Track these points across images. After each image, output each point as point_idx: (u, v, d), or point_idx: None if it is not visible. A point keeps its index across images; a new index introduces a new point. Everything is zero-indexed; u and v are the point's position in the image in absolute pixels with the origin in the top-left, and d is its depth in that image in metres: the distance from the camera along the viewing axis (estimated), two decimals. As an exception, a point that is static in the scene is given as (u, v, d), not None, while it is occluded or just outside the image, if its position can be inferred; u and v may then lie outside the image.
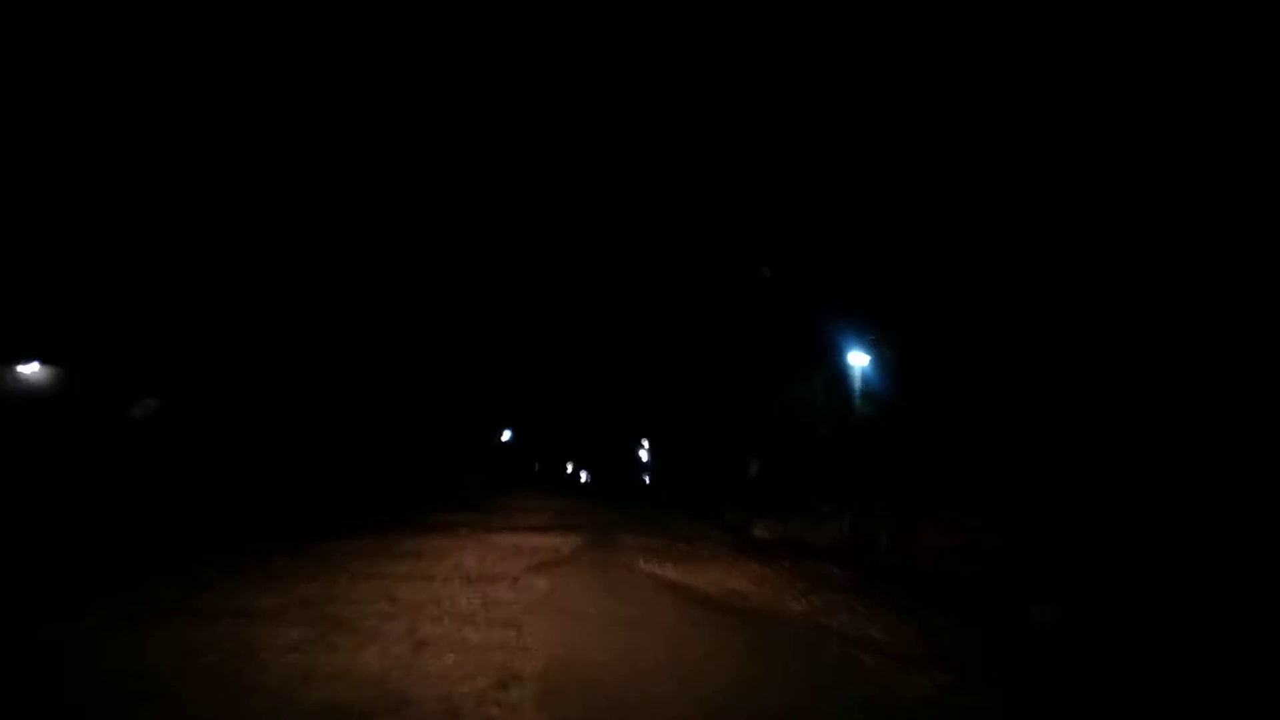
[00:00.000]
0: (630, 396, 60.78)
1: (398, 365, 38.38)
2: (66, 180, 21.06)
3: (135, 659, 5.69)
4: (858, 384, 28.02)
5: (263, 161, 26.19)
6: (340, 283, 32.19)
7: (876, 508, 19.61)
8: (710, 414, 40.70)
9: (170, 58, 22.45)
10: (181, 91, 23.25)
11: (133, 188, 22.72)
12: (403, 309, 38.54)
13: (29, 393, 20.72)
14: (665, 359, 49.96)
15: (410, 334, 39.60)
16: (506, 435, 51.08)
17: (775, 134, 31.43)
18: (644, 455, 69.46)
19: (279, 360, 28.24)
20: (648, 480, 72.35)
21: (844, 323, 31.13)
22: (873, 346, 28.66)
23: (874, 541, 16.33)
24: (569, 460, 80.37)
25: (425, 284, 40.35)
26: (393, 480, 31.62)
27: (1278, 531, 8.13)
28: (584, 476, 78.29)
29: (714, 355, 40.02)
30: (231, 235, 25.95)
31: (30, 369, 20.84)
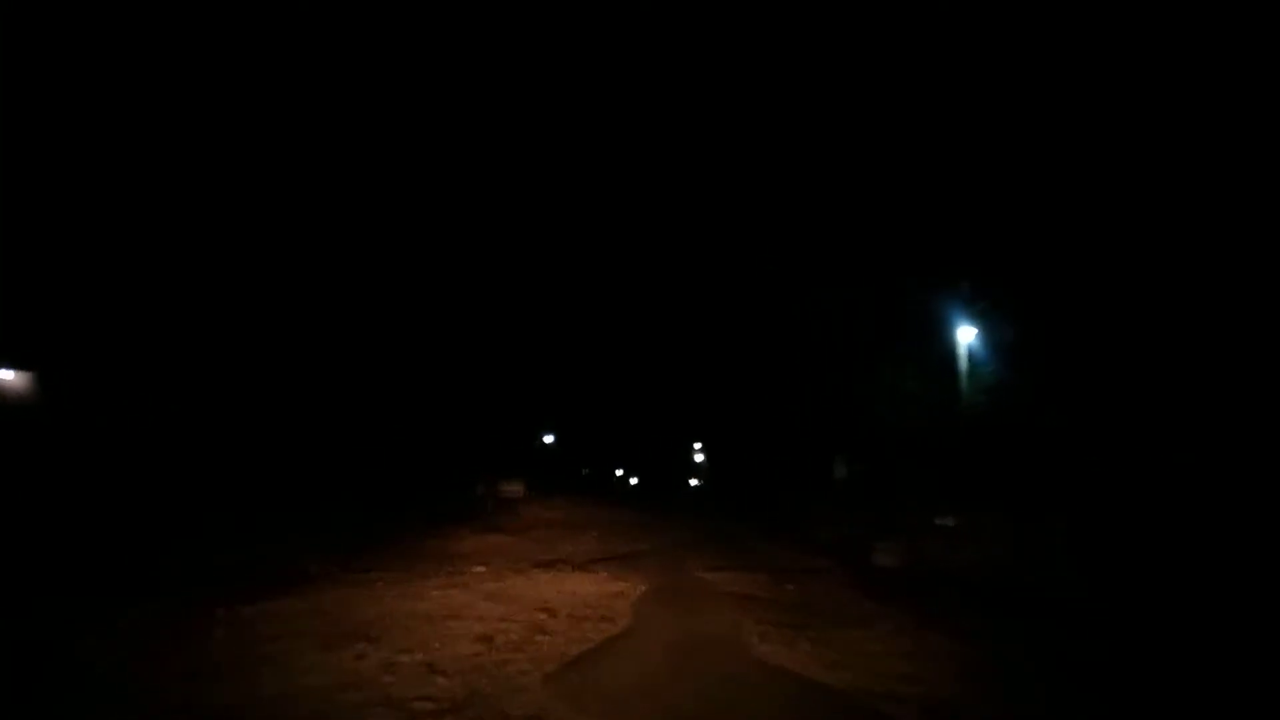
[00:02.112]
0: (683, 394, 55.85)
1: (430, 367, 34.48)
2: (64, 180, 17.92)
3: None
4: (964, 365, 22.85)
5: (303, 162, 24.75)
6: (368, 279, 28.65)
7: (1025, 522, 14.77)
8: (778, 409, 35.47)
9: (159, 55, 20.54)
10: (181, 92, 21.39)
11: (152, 193, 19.63)
12: (437, 308, 34.81)
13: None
14: (721, 351, 44.97)
15: (446, 335, 35.76)
16: (549, 438, 46.70)
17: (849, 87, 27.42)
18: (698, 458, 64.43)
19: (292, 357, 24.46)
20: (701, 484, 67.46)
21: (943, 290, 25.99)
22: (982, 317, 23.54)
23: (1054, 571, 11.39)
24: (617, 465, 75.90)
25: (461, 283, 36.76)
26: (418, 490, 27.56)
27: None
28: (633, 481, 73.80)
29: (781, 343, 34.83)
30: (265, 235, 23.47)
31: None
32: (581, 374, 53.31)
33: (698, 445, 65.71)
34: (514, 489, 34.06)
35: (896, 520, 19.52)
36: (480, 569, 11.34)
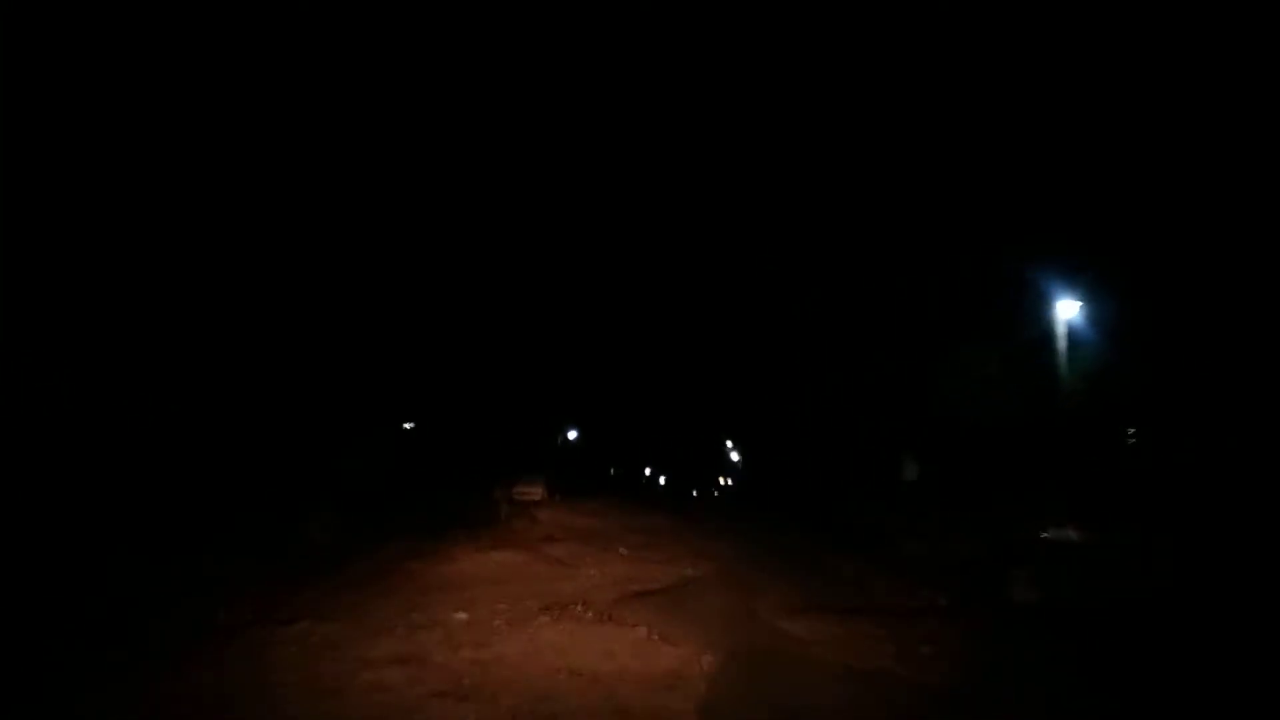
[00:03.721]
0: (715, 386, 51.93)
1: (446, 360, 31.21)
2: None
3: None
4: (1063, 346, 18.89)
5: (314, 151, 23.40)
6: (380, 263, 25.61)
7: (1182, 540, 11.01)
8: (828, 400, 31.46)
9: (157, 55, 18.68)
10: (180, 91, 19.45)
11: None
12: (455, 299, 31.66)
13: None
14: (759, 338, 41.02)
15: (463, 326, 32.55)
16: (573, 434, 43.18)
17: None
18: (733, 456, 60.49)
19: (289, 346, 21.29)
20: (733, 484, 63.61)
21: (1037, 260, 22.15)
22: (1087, 290, 19.83)
23: None
24: (645, 464, 72.28)
25: (481, 273, 33.74)
26: (424, 492, 24.30)
27: None
28: (661, 480, 70.18)
29: (831, 325, 30.80)
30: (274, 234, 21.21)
31: None
32: (607, 366, 49.75)
33: (729, 443, 61.78)
34: (532, 491, 30.55)
35: (994, 532, 15.63)
36: (461, 616, 7.75)
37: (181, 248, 18.00)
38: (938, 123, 25.16)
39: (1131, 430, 18.29)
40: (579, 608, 8.33)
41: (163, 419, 15.96)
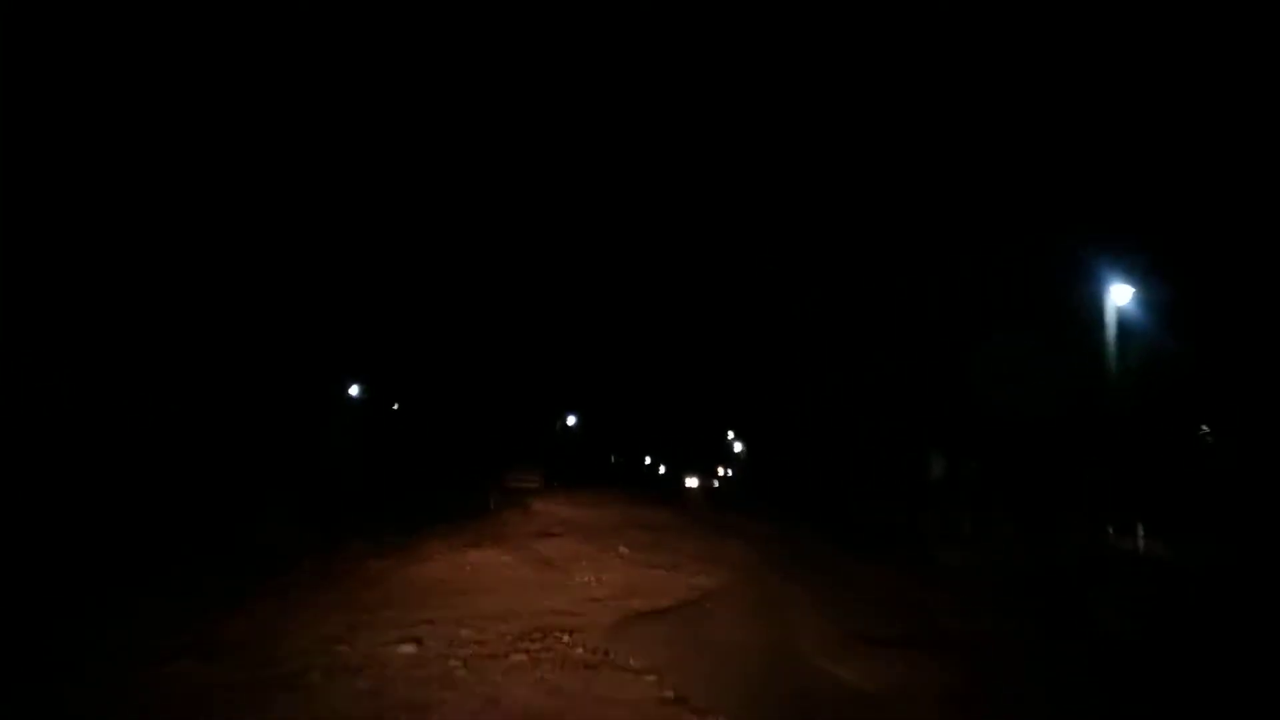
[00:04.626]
0: (719, 373, 49.94)
1: (438, 344, 29.23)
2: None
3: None
4: (1113, 335, 17.11)
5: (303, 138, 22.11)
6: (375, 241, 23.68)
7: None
8: (842, 390, 29.46)
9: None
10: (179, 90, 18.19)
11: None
12: (451, 282, 29.68)
13: None
14: (767, 323, 38.97)
15: (459, 309, 30.55)
16: (571, 420, 41.24)
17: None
18: (736, 447, 58.59)
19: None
20: (732, 475, 61.75)
21: (1084, 240, 20.25)
22: (1140, 274, 17.95)
23: None
24: (645, 453, 70.47)
25: (477, 258, 31.78)
26: (409, 483, 22.42)
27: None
28: (661, 470, 68.43)
29: (851, 308, 28.74)
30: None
31: None
32: (608, 350, 47.75)
33: (730, 434, 59.84)
34: (529, 479, 28.73)
35: (1046, 540, 13.71)
36: (407, 649, 5.78)
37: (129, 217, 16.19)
38: (973, 87, 23.05)
39: (1206, 428, 16.28)
40: (567, 638, 6.39)
41: (88, 401, 13.96)
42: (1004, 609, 9.03)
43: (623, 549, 12.75)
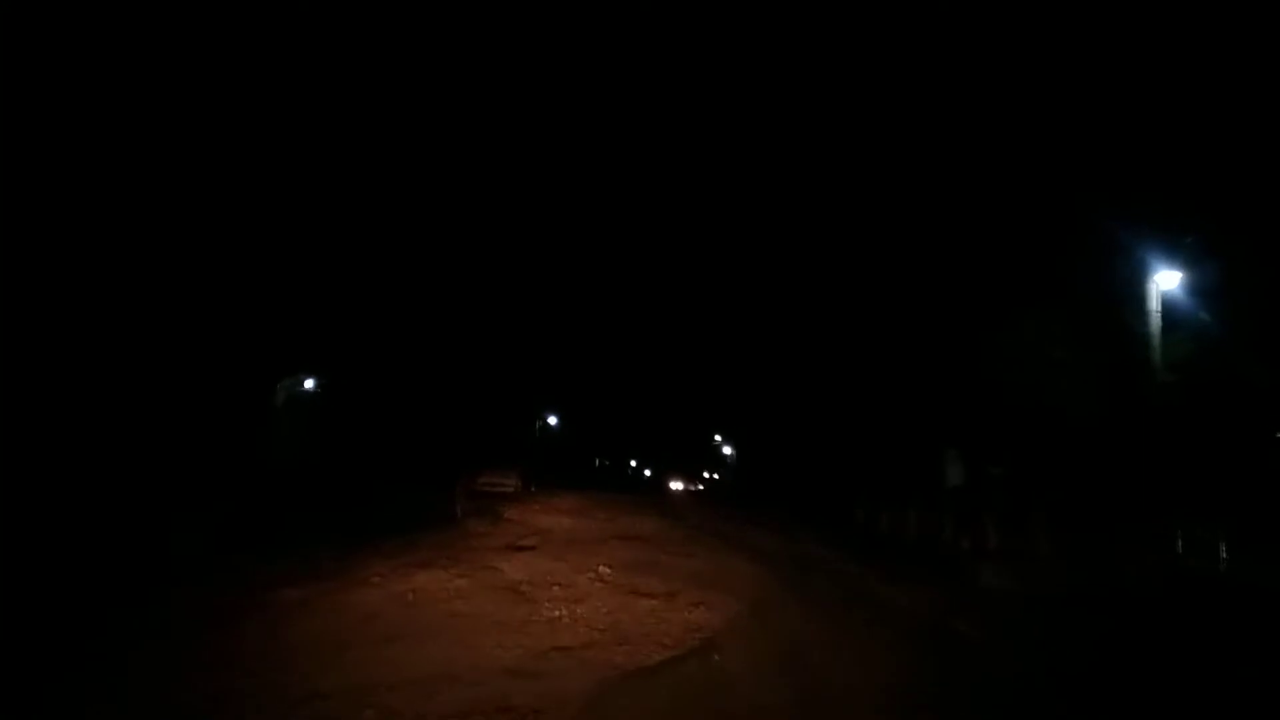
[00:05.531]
0: (709, 371, 47.92)
1: (406, 336, 26.98)
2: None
3: None
4: (1157, 325, 15.41)
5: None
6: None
7: None
8: (843, 386, 27.49)
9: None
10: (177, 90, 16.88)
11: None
12: (423, 271, 27.51)
13: None
14: (761, 313, 37.02)
15: (429, 299, 28.34)
16: (553, 420, 39.03)
17: None
18: (725, 450, 56.59)
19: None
20: (718, 478, 59.90)
21: (1125, 219, 18.48)
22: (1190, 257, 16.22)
23: None
24: (630, 455, 68.41)
25: (451, 248, 29.65)
26: (363, 487, 20.17)
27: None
28: (647, 473, 66.53)
29: (851, 287, 26.72)
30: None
31: None
32: (593, 347, 45.63)
33: (718, 437, 57.89)
34: (504, 482, 26.56)
35: (1105, 558, 11.66)
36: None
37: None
38: (994, 56, 21.15)
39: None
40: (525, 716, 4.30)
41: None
42: (1080, 647, 7.02)
43: (605, 569, 10.66)
